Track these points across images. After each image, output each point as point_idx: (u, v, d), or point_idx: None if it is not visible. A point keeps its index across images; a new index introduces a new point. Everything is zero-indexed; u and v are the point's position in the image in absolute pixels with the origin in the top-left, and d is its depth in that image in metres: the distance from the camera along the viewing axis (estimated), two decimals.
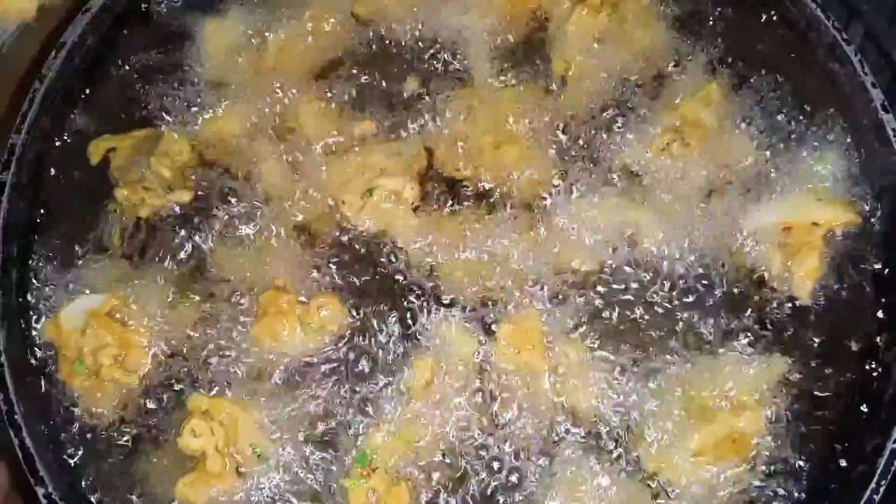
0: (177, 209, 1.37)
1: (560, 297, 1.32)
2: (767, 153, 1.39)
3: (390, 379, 1.28)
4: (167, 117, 1.42)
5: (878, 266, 1.34)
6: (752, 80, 1.43)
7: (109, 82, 1.45)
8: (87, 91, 1.44)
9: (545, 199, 1.38)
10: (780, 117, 1.41)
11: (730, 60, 1.44)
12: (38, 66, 1.37)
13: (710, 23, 1.46)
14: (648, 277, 1.34)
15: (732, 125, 1.40)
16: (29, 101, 1.34)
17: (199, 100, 1.43)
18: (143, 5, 1.48)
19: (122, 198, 1.36)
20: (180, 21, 1.47)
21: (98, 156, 1.41)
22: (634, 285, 1.33)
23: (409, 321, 1.31)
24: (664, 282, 1.33)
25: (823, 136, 1.40)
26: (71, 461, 1.25)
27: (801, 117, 1.41)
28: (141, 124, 1.42)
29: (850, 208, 1.35)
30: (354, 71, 1.44)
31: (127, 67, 1.46)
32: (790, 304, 1.32)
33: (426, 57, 1.45)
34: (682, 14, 1.47)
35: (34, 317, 1.31)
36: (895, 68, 1.68)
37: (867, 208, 1.36)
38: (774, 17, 1.47)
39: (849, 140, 1.39)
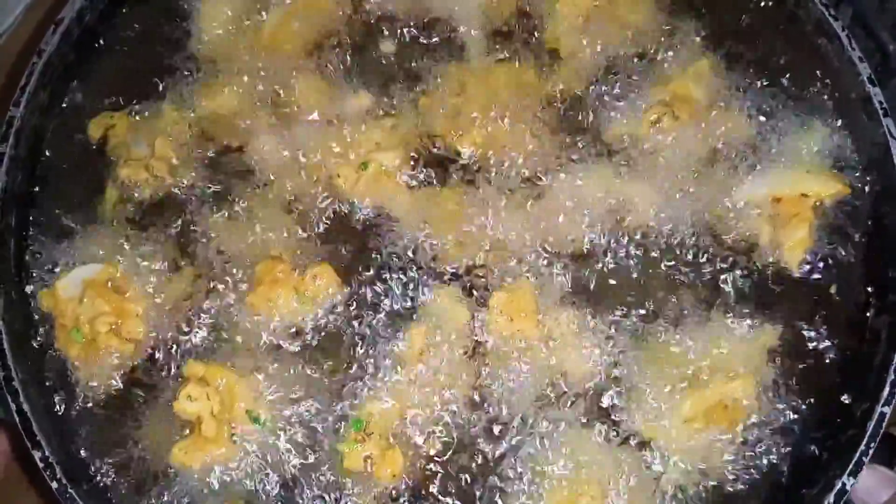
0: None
1: (552, 266, 1.33)
2: (757, 126, 1.40)
3: (384, 347, 1.29)
4: (164, 93, 1.44)
5: (866, 236, 1.36)
6: (741, 55, 1.45)
7: (107, 58, 1.48)
8: (85, 66, 1.46)
9: (538, 172, 1.39)
10: (769, 92, 1.43)
11: (719, 37, 1.46)
12: (36, 42, 1.39)
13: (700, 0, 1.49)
14: (639, 248, 1.35)
15: (722, 99, 1.42)
16: (27, 75, 1.35)
17: (195, 76, 1.45)
18: None
19: (125, 176, 1.38)
20: None
21: (99, 133, 1.42)
22: (625, 255, 1.35)
23: (403, 291, 1.32)
24: (655, 252, 1.35)
25: (812, 109, 1.42)
26: (68, 427, 1.26)
27: (790, 92, 1.43)
28: (138, 100, 1.44)
29: (839, 179, 1.36)
30: (349, 46, 1.46)
31: (124, 44, 1.48)
32: (780, 274, 1.34)
33: (420, 33, 1.47)
34: None
35: (32, 286, 1.32)
36: (884, 50, 1.70)
37: (856, 180, 1.37)
38: None
39: (837, 113, 1.41)
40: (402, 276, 1.33)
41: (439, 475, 1.24)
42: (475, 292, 1.32)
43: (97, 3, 1.44)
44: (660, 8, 1.48)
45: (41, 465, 1.18)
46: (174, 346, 1.29)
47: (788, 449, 1.26)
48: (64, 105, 1.44)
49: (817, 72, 1.44)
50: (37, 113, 1.38)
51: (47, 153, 1.41)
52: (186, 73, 1.45)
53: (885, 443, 1.24)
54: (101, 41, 1.47)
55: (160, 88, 1.45)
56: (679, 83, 1.42)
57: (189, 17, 1.48)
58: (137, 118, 1.42)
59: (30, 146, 1.37)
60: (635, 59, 1.45)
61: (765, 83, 1.43)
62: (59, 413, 1.27)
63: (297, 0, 1.48)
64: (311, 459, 1.24)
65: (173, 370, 1.28)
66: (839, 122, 1.41)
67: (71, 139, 1.42)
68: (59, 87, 1.42)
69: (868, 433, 1.20)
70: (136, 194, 1.38)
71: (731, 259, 1.35)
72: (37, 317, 1.31)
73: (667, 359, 1.29)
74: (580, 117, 1.42)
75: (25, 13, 1.73)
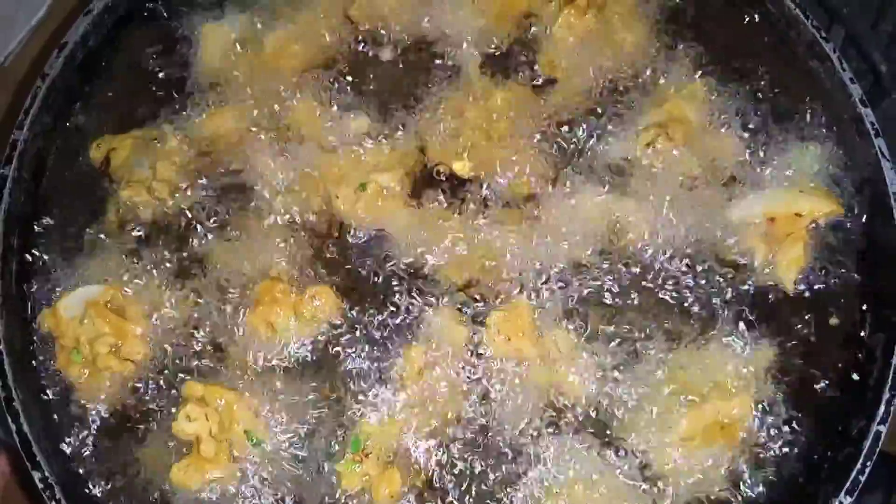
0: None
1: (549, 286, 1.34)
2: (751, 147, 1.42)
3: (382, 367, 1.30)
4: (166, 116, 1.46)
5: (860, 254, 1.37)
6: (735, 77, 1.47)
7: (110, 81, 1.49)
8: (88, 89, 1.48)
9: (535, 193, 1.40)
10: (762, 112, 1.44)
11: (713, 58, 1.48)
12: (40, 65, 1.41)
13: (694, 23, 1.51)
14: (635, 268, 1.36)
15: (716, 120, 1.43)
16: (31, 97, 1.37)
17: (196, 99, 1.47)
18: (146, 4, 1.53)
19: (126, 198, 1.39)
20: (179, 23, 1.52)
21: (101, 155, 1.44)
22: (622, 275, 1.35)
23: (401, 311, 1.33)
24: (651, 272, 1.36)
25: (805, 130, 1.43)
26: (67, 447, 1.27)
27: (783, 112, 1.44)
28: (140, 123, 1.46)
29: (833, 199, 1.38)
30: (348, 70, 1.48)
31: (127, 67, 1.50)
32: (775, 293, 1.35)
33: (418, 56, 1.49)
34: (666, 14, 1.51)
35: (33, 306, 1.33)
36: (875, 71, 1.72)
37: (849, 199, 1.39)
38: (756, 18, 1.51)
39: (830, 134, 1.43)
40: (400, 296, 1.34)
41: (437, 495, 1.25)
42: (473, 312, 1.33)
43: (101, 27, 1.47)
44: (654, 31, 1.50)
45: (41, 485, 1.19)
46: (173, 367, 1.30)
47: (785, 467, 1.26)
48: (67, 127, 1.45)
49: (810, 92, 1.45)
50: (40, 136, 1.40)
51: (50, 175, 1.43)
52: (188, 95, 1.47)
53: (885, 467, 1.24)
54: (104, 64, 1.49)
55: (162, 111, 1.46)
56: (673, 104, 1.44)
57: (190, 40, 1.50)
58: (139, 140, 1.44)
59: (33, 168, 1.39)
60: (630, 81, 1.47)
61: (758, 104, 1.45)
62: (59, 433, 1.27)
63: (297, 24, 1.50)
64: (310, 479, 1.25)
65: (172, 390, 1.29)
66: (832, 143, 1.42)
67: (73, 161, 1.44)
68: (63, 110, 1.44)
69: (864, 452, 1.20)
70: (137, 215, 1.39)
71: (726, 278, 1.35)
72: (38, 337, 1.32)
73: (664, 377, 1.30)
74: (576, 138, 1.44)
75: (30, 36, 1.76)
